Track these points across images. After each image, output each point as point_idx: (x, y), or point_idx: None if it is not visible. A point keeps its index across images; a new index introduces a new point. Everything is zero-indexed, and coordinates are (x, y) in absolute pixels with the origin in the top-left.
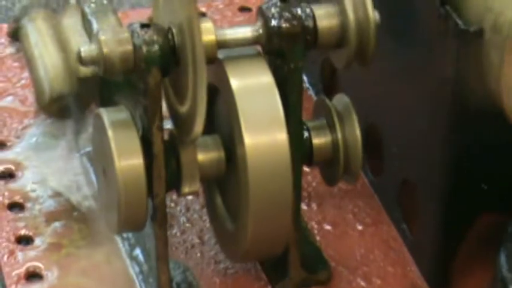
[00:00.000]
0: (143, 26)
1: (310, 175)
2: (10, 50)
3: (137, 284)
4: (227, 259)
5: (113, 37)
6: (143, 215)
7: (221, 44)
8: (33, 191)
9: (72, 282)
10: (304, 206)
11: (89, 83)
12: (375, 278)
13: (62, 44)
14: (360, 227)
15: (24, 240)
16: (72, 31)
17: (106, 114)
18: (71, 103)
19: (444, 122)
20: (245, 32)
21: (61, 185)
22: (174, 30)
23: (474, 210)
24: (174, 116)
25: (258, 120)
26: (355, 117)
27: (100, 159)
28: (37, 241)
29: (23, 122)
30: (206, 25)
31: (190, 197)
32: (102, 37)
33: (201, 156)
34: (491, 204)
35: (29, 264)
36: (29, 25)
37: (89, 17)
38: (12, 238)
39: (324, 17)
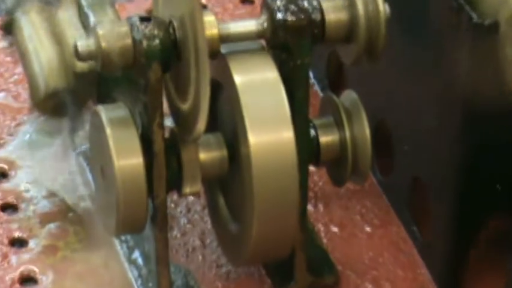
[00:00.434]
0: (143, 19)
1: (316, 175)
2: (2, 44)
3: None
4: (229, 262)
5: (112, 31)
6: (143, 216)
7: (224, 38)
8: (27, 191)
9: (68, 286)
10: (310, 207)
11: (86, 78)
12: (384, 282)
13: (57, 38)
14: (368, 229)
15: (18, 243)
16: (67, 24)
17: (104, 112)
18: (67, 100)
19: (457, 119)
20: (249, 25)
21: (56, 185)
22: (175, 24)
23: (487, 211)
24: (175, 113)
25: (263, 117)
26: (364, 115)
27: (98, 158)
28: (31, 244)
29: (16, 119)
30: (209, 18)
31: (191, 198)
32: (100, 31)
33: (203, 155)
34: (504, 205)
35: (23, 267)
36: (23, 18)
37: (86, 9)
38: (6, 241)
39: (332, 10)
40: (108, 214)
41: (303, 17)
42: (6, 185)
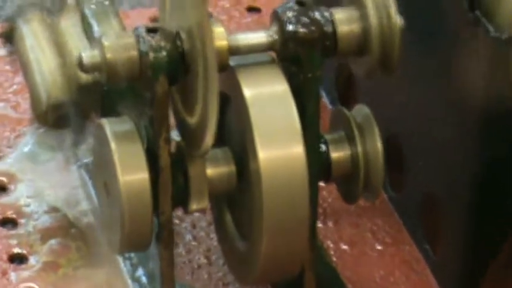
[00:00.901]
0: (150, 30)
1: (326, 190)
2: (2, 52)
3: None
4: (236, 281)
5: (117, 42)
6: (148, 234)
7: (233, 50)
8: (27, 205)
9: None
10: (319, 224)
11: (89, 90)
12: None
13: (60, 48)
14: (379, 247)
15: (18, 259)
16: (70, 34)
17: (108, 125)
18: (69, 112)
19: (473, 132)
20: (259, 37)
21: (57, 200)
22: (183, 35)
23: (504, 229)
24: (182, 127)
25: (272, 132)
26: (376, 130)
27: (102, 173)
28: (32, 260)
29: (15, 130)
30: (218, 30)
31: (196, 214)
32: (106, 42)
33: (210, 171)
34: None
35: (22, 285)
36: (24, 27)
37: (90, 19)
38: (5, 257)
39: (344, 22)
40: (112, 231)
41: (314, 29)
42: (6, 199)
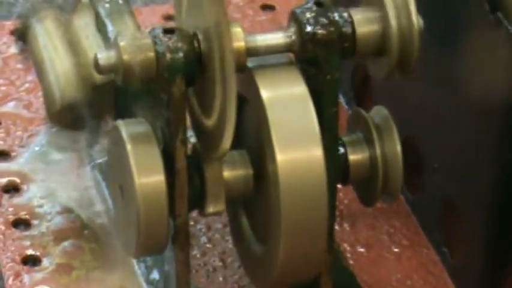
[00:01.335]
0: (166, 31)
1: (342, 191)
2: (14, 50)
3: None
4: (252, 284)
5: (134, 43)
6: (164, 237)
7: (251, 52)
8: (40, 206)
9: None
10: (335, 226)
11: (103, 90)
12: None
13: (74, 48)
14: (396, 250)
15: (31, 261)
16: (84, 33)
17: (124, 127)
18: (84, 112)
19: (493, 135)
20: (277, 38)
21: (71, 200)
22: (200, 36)
23: None
24: (199, 129)
25: (290, 134)
26: (395, 132)
27: (117, 175)
28: (45, 262)
29: (28, 130)
30: (235, 30)
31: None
32: (122, 43)
33: (227, 173)
34: None
35: (36, 287)
36: (38, 26)
37: (104, 18)
38: (18, 258)
39: (364, 23)
40: (128, 234)
41: (333, 30)
42: (19, 199)
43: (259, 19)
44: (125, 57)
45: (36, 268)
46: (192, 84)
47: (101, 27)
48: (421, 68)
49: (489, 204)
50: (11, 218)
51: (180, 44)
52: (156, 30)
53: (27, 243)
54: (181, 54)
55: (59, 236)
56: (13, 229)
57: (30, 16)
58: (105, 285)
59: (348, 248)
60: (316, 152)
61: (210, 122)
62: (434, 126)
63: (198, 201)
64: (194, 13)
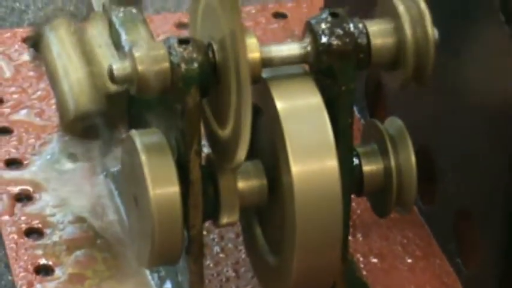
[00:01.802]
0: (181, 41)
1: (354, 201)
2: (26, 57)
3: None
4: None
5: (148, 54)
6: (178, 247)
7: (266, 62)
8: (53, 215)
9: None
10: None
11: (117, 100)
12: None
13: (87, 57)
14: (409, 260)
15: (44, 271)
16: (98, 42)
17: (138, 137)
18: (98, 122)
19: (507, 144)
20: (292, 49)
21: (83, 209)
22: (214, 46)
23: None
24: (213, 140)
25: (305, 145)
26: (410, 143)
27: (131, 185)
28: (57, 271)
29: (40, 138)
30: (250, 41)
31: None
32: (137, 53)
33: (241, 184)
34: None
35: None
36: (51, 35)
37: (117, 27)
38: (31, 268)
39: (379, 34)
40: (141, 244)
41: (348, 41)
42: (31, 208)
43: (271, 27)
44: (140, 67)
45: (49, 278)
46: (206, 95)
47: (114, 36)
48: (435, 76)
49: (503, 214)
50: (24, 227)
51: (194, 55)
52: (170, 40)
53: (40, 252)
54: (196, 65)
55: (72, 245)
56: (26, 238)
57: (44, 24)
58: None
59: (361, 259)
60: (331, 163)
61: (224, 133)
62: (448, 135)
63: (212, 212)
64: (209, 23)
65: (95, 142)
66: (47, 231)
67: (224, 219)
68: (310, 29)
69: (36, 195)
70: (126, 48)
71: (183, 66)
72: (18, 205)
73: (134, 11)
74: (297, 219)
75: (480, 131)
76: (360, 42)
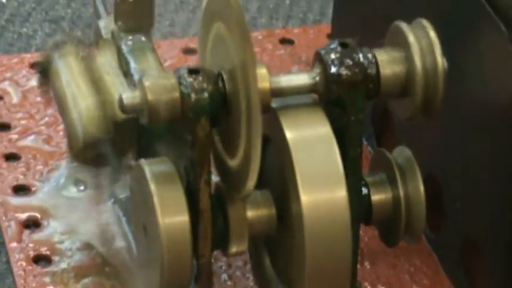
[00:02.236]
0: (191, 71)
1: (362, 229)
2: (33, 83)
3: None
4: None
5: (159, 83)
6: (187, 277)
7: (276, 92)
8: (61, 242)
9: None
10: None
11: (125, 128)
12: None
13: (96, 84)
14: None
15: None
16: (106, 70)
17: (148, 166)
18: (107, 150)
19: None
20: (301, 79)
21: (91, 236)
22: (225, 76)
23: None
24: (222, 169)
25: (315, 175)
26: (418, 173)
27: (140, 214)
28: None
29: (48, 164)
30: (260, 71)
31: None
32: (147, 83)
33: (250, 213)
34: None
35: None
36: (60, 62)
37: (126, 55)
38: None
39: (388, 64)
40: (150, 272)
41: (357, 71)
42: (39, 235)
43: (278, 53)
44: (150, 97)
45: None
46: (216, 125)
47: (123, 64)
48: (445, 106)
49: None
50: (32, 253)
51: (205, 85)
52: (181, 70)
53: (48, 279)
54: (206, 95)
55: (80, 272)
56: (34, 265)
57: (52, 51)
58: None
59: (369, 287)
60: (340, 193)
61: (234, 163)
62: (458, 163)
63: (221, 241)
64: (219, 52)
65: (104, 169)
66: (55, 258)
67: (233, 249)
68: (319, 59)
69: (44, 222)
70: (135, 77)
71: (193, 96)
72: (26, 232)
73: (143, 38)
74: (307, 249)
75: (489, 161)
76: (370, 72)
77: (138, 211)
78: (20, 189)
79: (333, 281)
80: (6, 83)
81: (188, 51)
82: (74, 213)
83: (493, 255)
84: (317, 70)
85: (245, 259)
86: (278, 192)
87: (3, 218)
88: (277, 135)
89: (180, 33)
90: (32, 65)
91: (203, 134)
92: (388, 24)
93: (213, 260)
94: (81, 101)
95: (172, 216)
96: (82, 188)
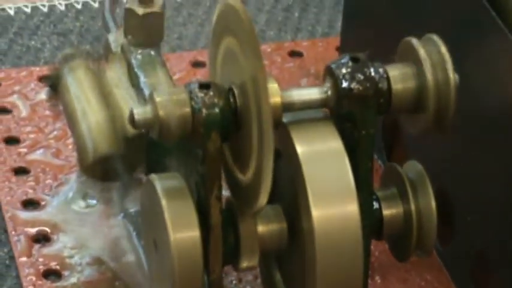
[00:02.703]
0: (202, 86)
1: (372, 243)
2: (42, 96)
3: None
4: None
5: (170, 98)
6: None
7: (287, 107)
8: (71, 257)
9: None
10: None
11: (135, 143)
12: None
13: (106, 99)
14: None
15: None
16: (116, 84)
17: (158, 181)
18: (117, 165)
19: None
20: (313, 93)
21: (101, 251)
22: (235, 91)
23: None
24: (233, 184)
25: (326, 190)
26: (429, 187)
27: (150, 229)
28: None
29: (57, 178)
30: (271, 86)
31: None
32: (158, 98)
33: (261, 228)
34: None
35: None
36: (69, 76)
37: (136, 69)
38: None
39: (399, 79)
40: (161, 287)
41: (369, 86)
42: (49, 249)
43: (287, 65)
44: (161, 112)
45: None
46: (227, 140)
47: (133, 79)
48: (456, 121)
49: None
50: (42, 268)
51: (216, 100)
52: (191, 85)
53: None
54: (217, 110)
55: (90, 287)
56: (44, 280)
57: (62, 65)
58: None
59: None
60: (352, 208)
61: (245, 178)
62: (468, 178)
63: (232, 256)
64: (229, 67)
65: (114, 184)
66: (65, 273)
67: (244, 264)
68: (330, 73)
69: (54, 237)
70: (145, 91)
71: (204, 111)
72: (36, 246)
73: (153, 53)
74: (318, 264)
75: (498, 174)
76: (381, 87)
77: (149, 226)
78: (30, 204)
79: None
80: (15, 96)
81: (197, 64)
82: (83, 228)
83: (503, 269)
84: (328, 84)
85: (255, 274)
86: (289, 206)
87: (13, 232)
88: (288, 149)
89: (189, 46)
90: (41, 78)
91: (214, 149)
92: (396, 37)
93: (223, 275)
94: (91, 116)
95: (183, 231)
96: (92, 202)
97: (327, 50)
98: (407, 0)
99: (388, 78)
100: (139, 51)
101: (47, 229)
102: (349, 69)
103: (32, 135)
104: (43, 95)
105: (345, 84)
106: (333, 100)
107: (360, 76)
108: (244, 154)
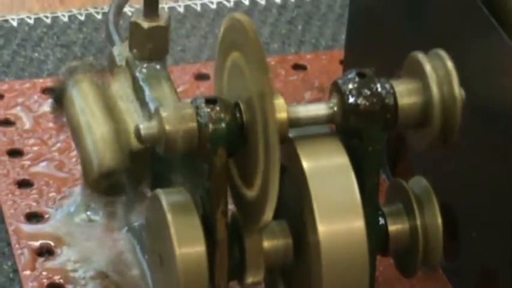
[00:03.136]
0: (208, 101)
1: (377, 258)
2: (45, 108)
3: None
4: None
5: (176, 113)
6: None
7: (293, 122)
8: (75, 270)
9: None
10: None
11: (140, 157)
12: None
13: (111, 112)
14: None
15: None
16: (121, 98)
17: (164, 196)
18: (122, 179)
19: None
20: (319, 109)
21: (105, 265)
22: (242, 106)
23: None
24: (239, 199)
25: (332, 205)
26: (435, 203)
27: (156, 244)
28: None
29: (60, 191)
30: (278, 101)
31: None
32: (164, 113)
33: (267, 243)
34: None
35: None
36: (74, 89)
37: (141, 83)
38: None
39: (406, 94)
40: None
41: (376, 101)
42: (53, 263)
43: (291, 79)
44: (167, 127)
45: None
46: (233, 155)
47: (138, 93)
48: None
49: None
50: (45, 282)
51: (222, 115)
52: (198, 100)
53: None
54: (223, 125)
55: None
56: None
57: (66, 78)
58: None
59: None
60: (358, 224)
61: (251, 193)
62: (474, 193)
63: (237, 271)
64: (236, 82)
65: (118, 198)
66: (69, 286)
67: (249, 279)
68: (337, 89)
69: (58, 250)
70: (151, 105)
71: (210, 126)
72: (40, 260)
73: (158, 66)
74: (324, 279)
75: (504, 188)
76: (388, 103)
77: (154, 241)
78: (33, 217)
79: None
80: (18, 108)
81: (200, 76)
82: (87, 241)
83: (510, 285)
84: (334, 100)
85: None
86: (294, 222)
87: (17, 245)
88: (294, 165)
89: (192, 58)
90: (44, 90)
91: (220, 164)
92: (400, 50)
93: None
94: (96, 130)
95: (189, 246)
96: (96, 215)
97: (330, 63)
98: (411, 15)
99: (394, 94)
100: (145, 65)
101: (51, 242)
102: (355, 85)
103: (35, 148)
104: (46, 107)
105: (351, 100)
106: (340, 116)
107: (367, 91)
108: (250, 169)
